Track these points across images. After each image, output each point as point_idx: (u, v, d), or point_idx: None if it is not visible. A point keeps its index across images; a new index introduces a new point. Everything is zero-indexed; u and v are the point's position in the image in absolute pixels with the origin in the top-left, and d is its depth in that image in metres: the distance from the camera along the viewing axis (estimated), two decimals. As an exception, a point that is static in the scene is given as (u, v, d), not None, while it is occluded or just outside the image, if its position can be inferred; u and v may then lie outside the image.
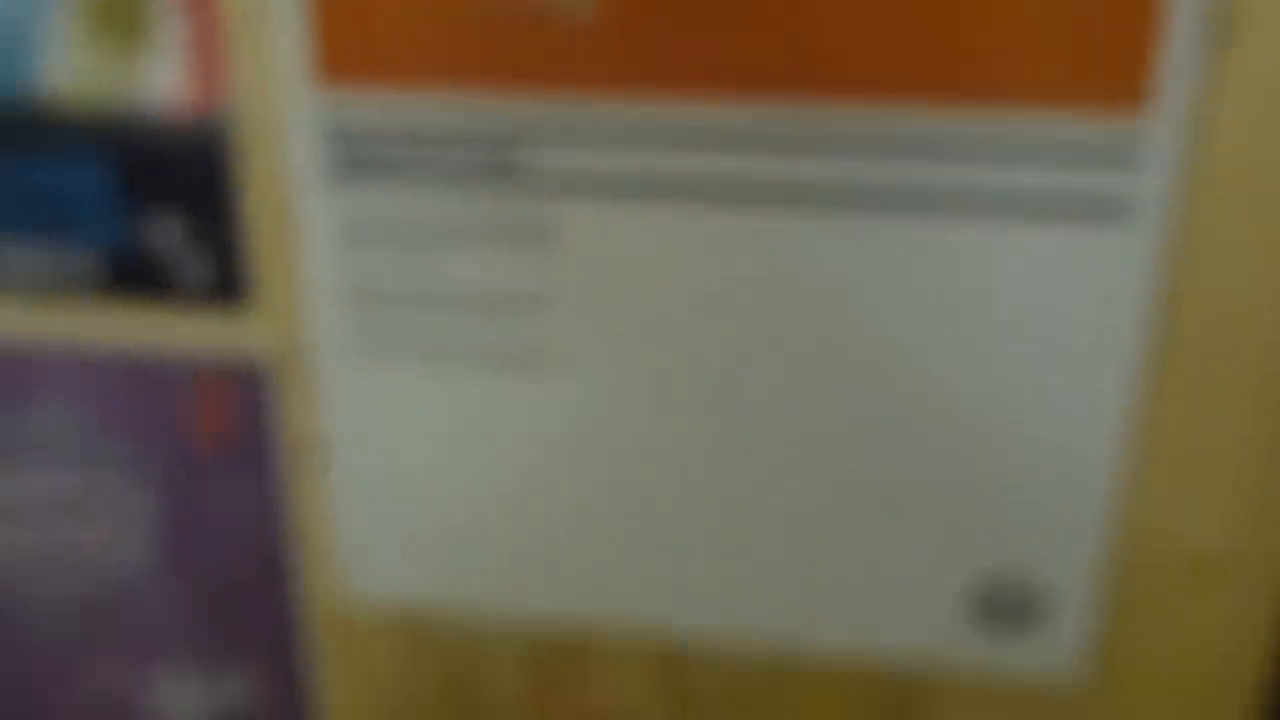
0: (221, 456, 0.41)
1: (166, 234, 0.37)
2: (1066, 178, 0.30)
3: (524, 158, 0.33)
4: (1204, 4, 0.29)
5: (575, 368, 0.36)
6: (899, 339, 0.34)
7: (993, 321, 0.33)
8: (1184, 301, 0.32)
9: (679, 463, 0.37)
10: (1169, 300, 0.32)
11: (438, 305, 0.36)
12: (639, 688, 0.41)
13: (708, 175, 0.32)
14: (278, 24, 0.34)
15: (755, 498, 0.37)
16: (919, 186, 0.31)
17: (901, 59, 0.30)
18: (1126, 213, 0.31)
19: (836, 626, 0.38)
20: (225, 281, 0.37)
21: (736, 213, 0.33)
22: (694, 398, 0.36)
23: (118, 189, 0.37)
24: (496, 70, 0.32)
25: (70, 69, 0.35)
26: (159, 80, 0.35)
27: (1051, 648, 0.37)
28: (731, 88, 0.31)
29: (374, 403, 0.38)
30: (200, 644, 0.44)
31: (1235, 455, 0.34)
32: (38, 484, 0.43)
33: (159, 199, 0.37)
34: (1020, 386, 0.33)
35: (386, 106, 0.33)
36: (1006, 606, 0.37)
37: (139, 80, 0.35)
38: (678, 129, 0.32)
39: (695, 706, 0.41)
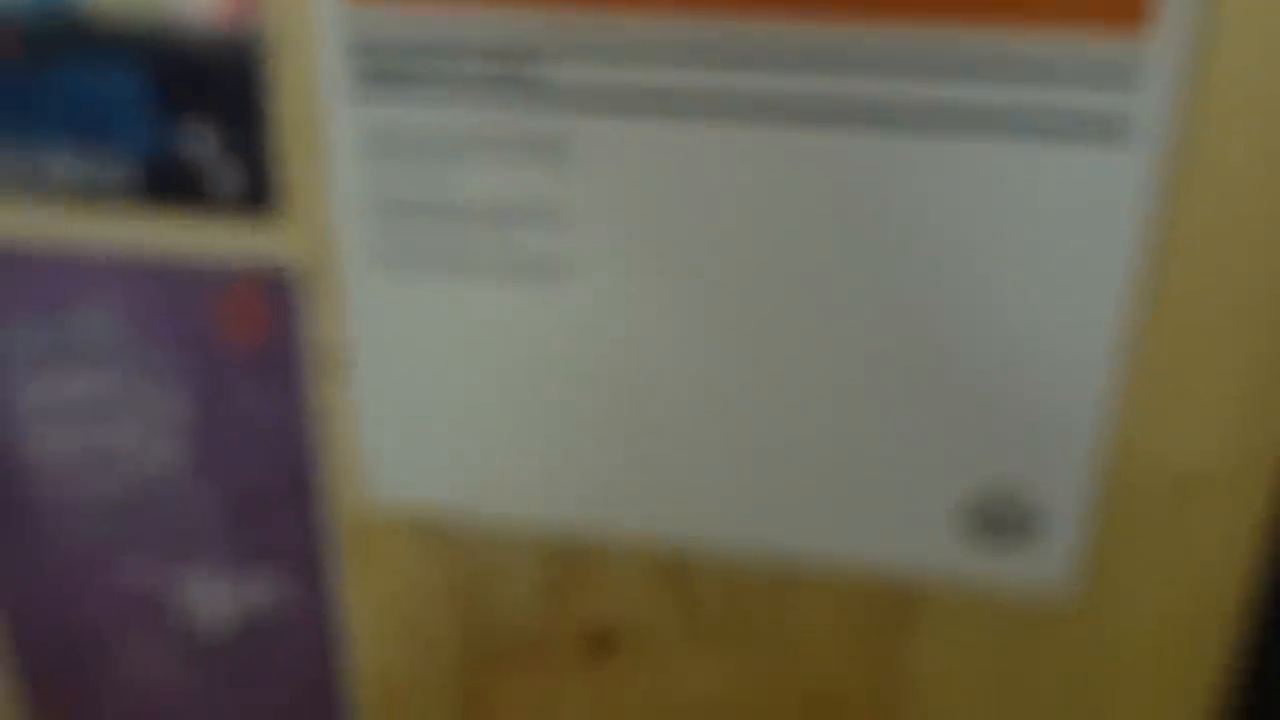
0: (251, 363, 0.42)
1: (201, 143, 0.39)
2: (1069, 96, 0.31)
3: (542, 72, 0.34)
4: (1207, -72, 0.29)
5: (590, 280, 0.37)
6: (902, 255, 0.35)
7: (993, 239, 0.34)
8: (1180, 223, 0.33)
9: (688, 376, 0.38)
10: (1166, 221, 0.33)
11: (458, 217, 0.37)
12: (646, 596, 0.43)
13: (722, 91, 0.34)
14: (309, -62, 0.35)
15: (761, 410, 0.38)
16: (924, 103, 0.32)
17: (910, -20, 0.31)
18: (1127, 132, 0.31)
19: (836, 538, 0.40)
20: (256, 191, 0.39)
21: (749, 128, 0.34)
22: (704, 311, 0.37)
23: (154, 98, 0.38)
24: (518, -14, 0.34)
25: (111, -20, 0.37)
26: (195, -8, 0.36)
27: (1041, 562, 0.38)
28: (745, 4, 0.32)
29: (396, 312, 0.39)
30: (228, 545, 0.46)
31: (1225, 377, 0.35)
32: (73, 387, 0.45)
33: (194, 109, 0.38)
34: (1018, 304, 0.35)
35: (411, 20, 0.35)
36: (999, 521, 0.38)
37: (176, -8, 0.37)
38: (691, 45, 0.33)
39: (699, 616, 0.43)
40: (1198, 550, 0.37)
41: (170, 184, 0.40)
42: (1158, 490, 0.36)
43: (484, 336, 0.39)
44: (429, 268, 0.38)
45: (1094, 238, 0.33)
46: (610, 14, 0.33)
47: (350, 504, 0.44)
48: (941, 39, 0.31)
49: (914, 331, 0.36)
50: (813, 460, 0.38)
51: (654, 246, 0.36)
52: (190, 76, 0.38)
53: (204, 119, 0.38)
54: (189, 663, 0.49)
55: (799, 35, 0.32)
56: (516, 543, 0.43)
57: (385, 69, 0.35)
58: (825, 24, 0.32)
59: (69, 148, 0.40)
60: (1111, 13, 0.30)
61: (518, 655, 0.45)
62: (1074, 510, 0.37)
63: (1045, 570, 0.38)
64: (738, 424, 0.38)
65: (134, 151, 0.39)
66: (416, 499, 0.43)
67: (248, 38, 0.37)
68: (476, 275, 0.38)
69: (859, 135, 0.33)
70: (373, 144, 0.37)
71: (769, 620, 0.42)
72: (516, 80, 0.35)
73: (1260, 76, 0.31)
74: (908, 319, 0.36)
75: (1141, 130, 0.31)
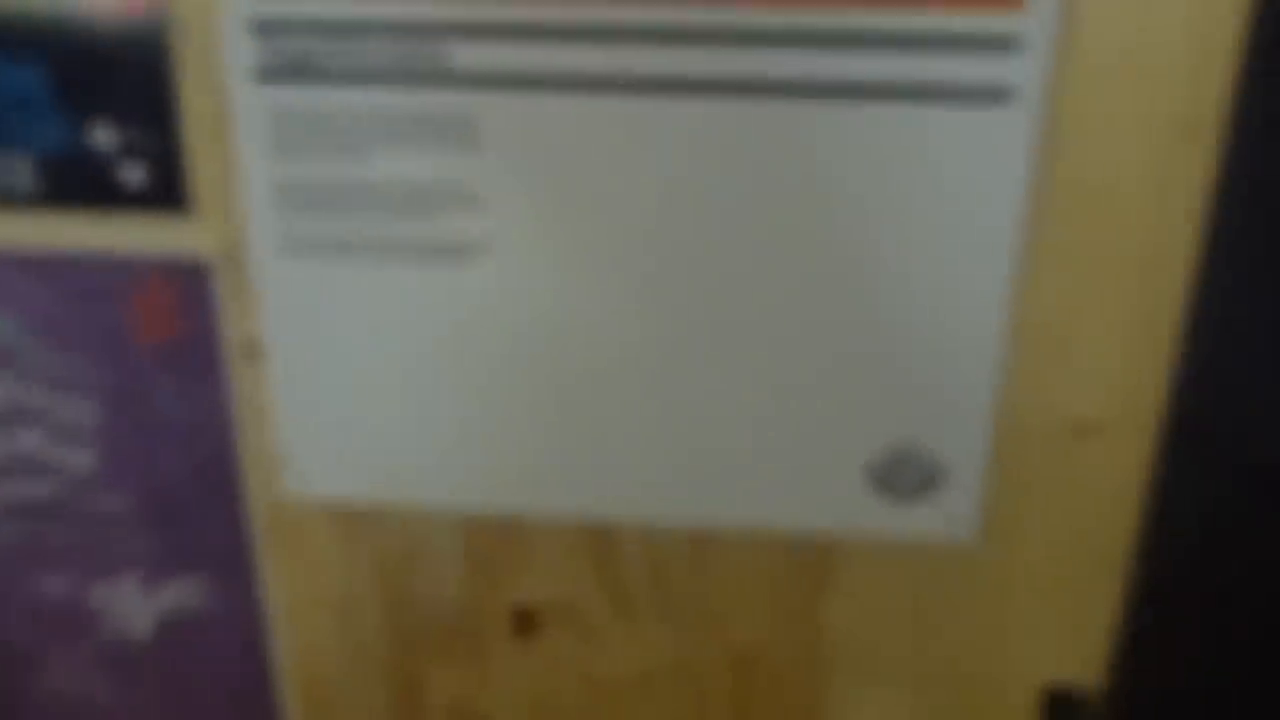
0: (165, 360, 0.42)
1: (105, 138, 0.38)
2: (958, 64, 0.33)
3: (450, 54, 0.35)
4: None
5: (506, 259, 0.38)
6: (809, 224, 0.36)
7: (891, 204, 0.35)
8: (1061, 179, 0.35)
9: (605, 353, 0.39)
10: (1048, 178, 0.35)
11: (370, 202, 0.37)
12: (571, 574, 0.43)
13: (627, 67, 0.35)
14: (210, -71, 0.35)
15: (678, 384, 0.39)
16: (821, 76, 0.34)
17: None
18: (1009, 95, 0.33)
19: (755, 505, 0.41)
20: (165, 185, 0.39)
21: (654, 102, 0.35)
22: (619, 287, 0.38)
23: (57, 95, 0.38)
24: (422, -27, 0.34)
25: (7, -26, 0.36)
26: (95, -14, 0.36)
27: (948, 513, 0.40)
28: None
29: (312, 301, 0.40)
30: (148, 547, 0.46)
31: (1110, 327, 0.37)
32: (-18, 393, 0.44)
33: (98, 104, 0.38)
34: (914, 269, 0.36)
35: (315, 5, 0.35)
36: (906, 478, 0.39)
37: (75, -14, 0.36)
38: (596, 23, 0.34)
39: (624, 591, 0.44)
40: (1091, 492, 0.39)
41: (76, 182, 0.39)
42: (1052, 438, 0.38)
43: (400, 322, 0.39)
44: (343, 255, 0.39)
45: (983, 198, 0.35)
46: (514, -3, 0.34)
47: (272, 499, 0.44)
48: (840, 14, 0.33)
49: (820, 300, 0.37)
50: (730, 431, 0.40)
51: (566, 223, 0.37)
52: (94, 72, 0.37)
53: (108, 114, 0.38)
54: (113, 671, 0.49)
55: (700, 14, 0.33)
56: (441, 527, 0.43)
57: (290, 54, 0.36)
58: (728, 4, 0.33)
59: (-32, 147, 0.39)
60: (989, -16, 0.32)
61: (445, 638, 0.45)
62: (975, 462, 0.39)
63: (951, 520, 0.40)
64: (656, 400, 0.39)
65: (38, 150, 0.39)
66: (338, 490, 0.43)
67: (150, 28, 0.37)
68: (391, 260, 0.38)
69: (760, 108, 0.34)
70: (280, 130, 0.37)
71: (693, 590, 0.43)
72: (424, 62, 0.35)
73: (1124, 41, 0.33)
74: (814, 288, 0.37)
75: (1022, 93, 0.33)
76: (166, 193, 0.39)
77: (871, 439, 0.39)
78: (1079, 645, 0.42)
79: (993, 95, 0.33)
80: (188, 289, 0.41)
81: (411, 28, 0.35)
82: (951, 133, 0.34)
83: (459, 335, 0.39)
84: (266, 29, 0.36)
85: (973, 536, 0.40)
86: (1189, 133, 0.33)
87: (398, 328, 0.39)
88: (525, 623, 0.44)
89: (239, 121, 0.37)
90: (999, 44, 0.33)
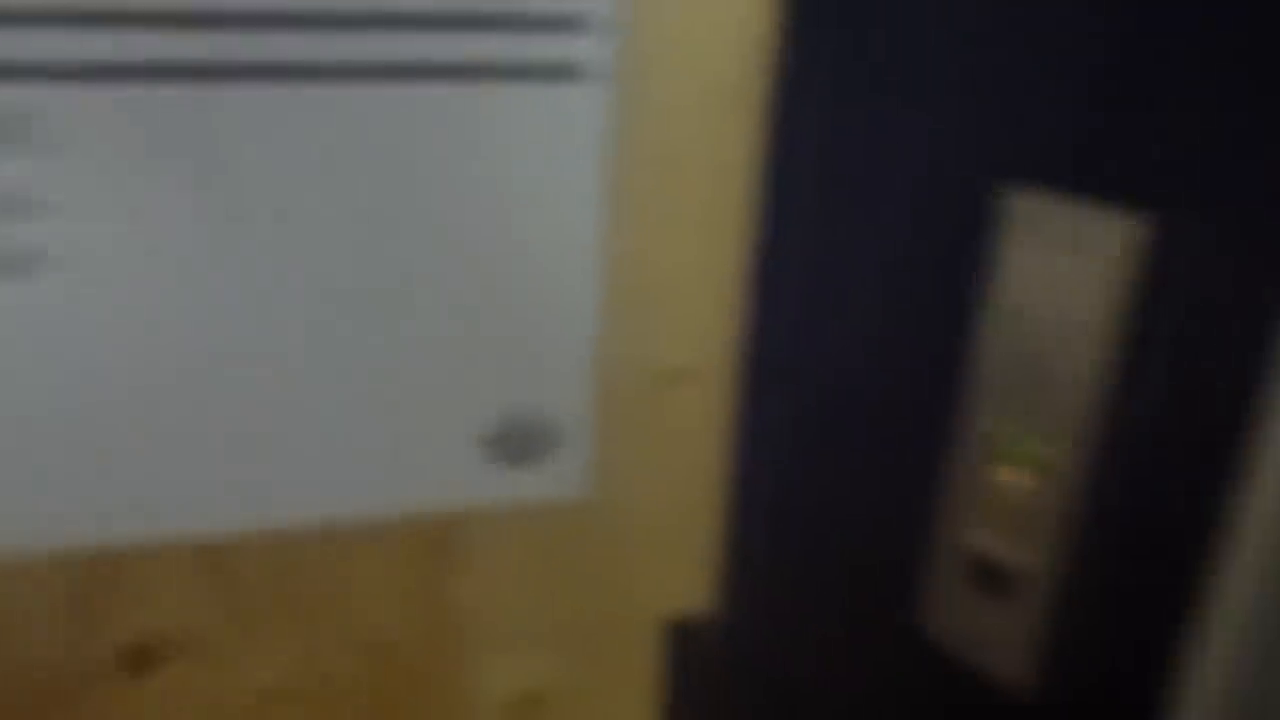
0: None
1: None
2: (529, 45, 0.35)
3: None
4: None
5: (70, 269, 0.35)
6: (395, 204, 0.36)
7: (476, 182, 0.37)
8: (633, 150, 0.38)
9: (191, 359, 0.37)
10: (621, 150, 0.38)
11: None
12: (187, 596, 0.41)
13: (179, 56, 0.33)
14: None
15: (276, 382, 0.38)
16: (402, 58, 0.34)
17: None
18: (579, 74, 0.36)
19: (374, 491, 0.41)
20: None
21: (218, 91, 0.34)
22: (197, 288, 0.36)
23: None
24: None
25: None
26: None
27: (562, 473, 0.42)
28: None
29: None
30: None
31: (686, 281, 0.41)
32: None
33: None
34: (506, 241, 0.38)
35: None
36: (519, 445, 0.41)
37: None
38: (143, 9, 0.32)
39: (249, 604, 0.42)
40: (687, 434, 0.43)
41: None
42: (647, 389, 0.42)
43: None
44: None
45: (564, 169, 0.37)
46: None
47: None
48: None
49: (415, 279, 0.38)
50: (340, 421, 0.39)
51: (134, 223, 0.35)
52: None
53: None
54: None
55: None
56: (28, 573, 0.39)
57: None
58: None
59: None
60: (554, -32, 0.34)
61: (48, 696, 0.41)
62: (583, 420, 0.41)
63: (566, 479, 0.42)
64: (255, 399, 0.38)
65: None
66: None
67: None
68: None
69: (345, 90, 0.34)
70: None
71: (320, 590, 0.42)
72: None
73: (680, 22, 0.36)
74: (409, 270, 0.37)
75: (593, 70, 0.36)
76: None
77: (482, 412, 0.40)
78: (692, 577, 0.46)
79: (566, 72, 0.36)
80: None
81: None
82: (530, 109, 0.36)
83: (24, 356, 0.35)
84: None
85: (586, 492, 0.43)
86: (738, 102, 0.38)
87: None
88: (140, 660, 0.41)
89: None
90: (569, 24, 0.35)
